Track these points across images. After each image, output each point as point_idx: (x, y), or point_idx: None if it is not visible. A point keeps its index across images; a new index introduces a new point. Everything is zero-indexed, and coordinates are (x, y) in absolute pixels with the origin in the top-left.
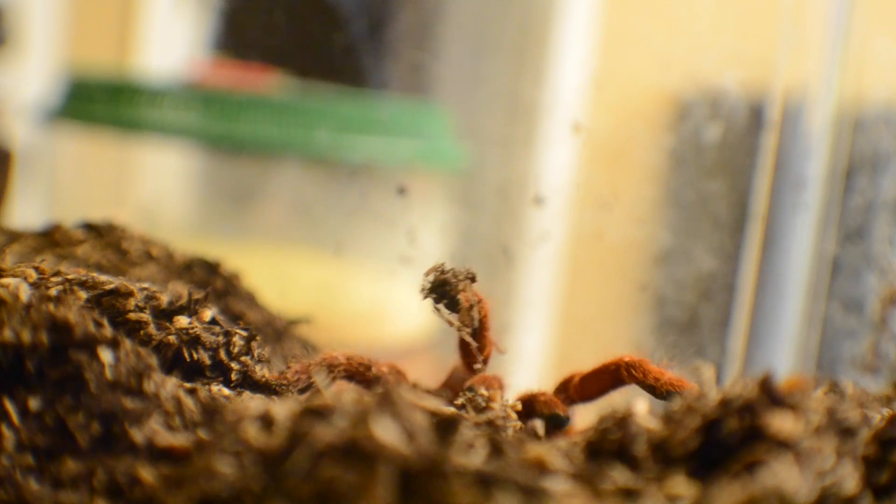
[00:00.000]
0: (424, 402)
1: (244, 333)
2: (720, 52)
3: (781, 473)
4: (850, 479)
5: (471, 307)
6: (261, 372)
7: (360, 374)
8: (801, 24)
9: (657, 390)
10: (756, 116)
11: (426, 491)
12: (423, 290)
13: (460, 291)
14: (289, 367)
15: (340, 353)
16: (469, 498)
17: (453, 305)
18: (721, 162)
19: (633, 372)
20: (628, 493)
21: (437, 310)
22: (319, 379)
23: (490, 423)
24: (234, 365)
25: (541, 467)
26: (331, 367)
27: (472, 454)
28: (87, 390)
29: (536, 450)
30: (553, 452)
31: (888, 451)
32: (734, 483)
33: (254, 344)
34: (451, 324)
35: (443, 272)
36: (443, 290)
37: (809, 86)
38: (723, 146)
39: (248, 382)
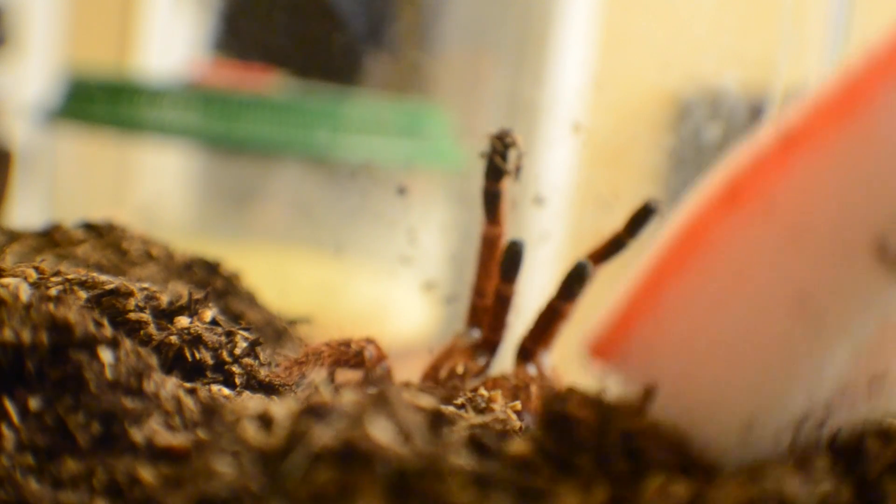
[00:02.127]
0: (419, 401)
1: (247, 335)
2: (720, 52)
3: (782, 476)
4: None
5: (520, 156)
6: (264, 373)
7: (343, 354)
8: (801, 24)
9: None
10: (756, 116)
11: (422, 491)
12: (482, 154)
13: (515, 143)
14: (278, 365)
15: (320, 343)
16: (465, 498)
17: (505, 157)
18: (721, 162)
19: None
20: (624, 494)
21: (495, 160)
22: (310, 372)
23: (488, 425)
24: (235, 368)
25: (529, 467)
26: (316, 358)
27: (461, 454)
28: (87, 390)
29: (521, 448)
30: (538, 452)
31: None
32: (734, 483)
33: (258, 348)
34: (505, 170)
35: (502, 129)
36: (504, 140)
37: (809, 86)
38: (723, 146)
39: (250, 383)
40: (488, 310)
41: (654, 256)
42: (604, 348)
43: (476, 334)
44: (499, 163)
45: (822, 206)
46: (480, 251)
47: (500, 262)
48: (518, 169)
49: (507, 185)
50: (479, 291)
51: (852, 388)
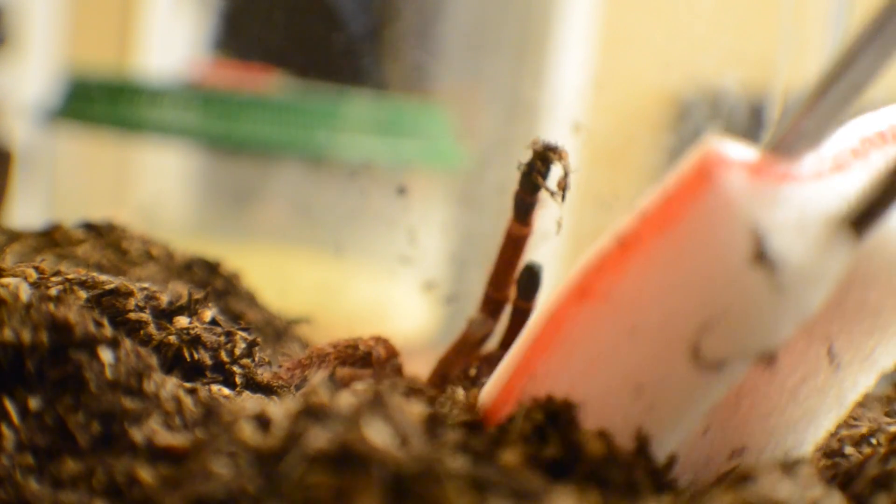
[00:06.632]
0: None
1: (245, 335)
2: (720, 52)
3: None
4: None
5: (567, 174)
6: (262, 374)
7: (350, 356)
8: (801, 24)
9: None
10: (756, 116)
11: (419, 494)
12: (520, 164)
13: (562, 158)
14: (280, 366)
15: (326, 344)
16: (462, 501)
17: (547, 173)
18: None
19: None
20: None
21: (535, 177)
22: (313, 373)
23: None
24: (235, 368)
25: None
26: (321, 359)
27: (458, 456)
28: (87, 390)
29: (509, 457)
30: (524, 460)
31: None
32: (725, 490)
33: (255, 349)
34: (546, 189)
35: (546, 143)
36: (547, 155)
37: (809, 86)
38: None
39: (250, 383)
40: (500, 303)
41: (526, 337)
42: (491, 416)
43: (489, 323)
44: (536, 180)
45: (649, 307)
46: (503, 246)
47: (518, 283)
48: (564, 189)
49: (541, 195)
50: (494, 284)
51: (714, 460)
